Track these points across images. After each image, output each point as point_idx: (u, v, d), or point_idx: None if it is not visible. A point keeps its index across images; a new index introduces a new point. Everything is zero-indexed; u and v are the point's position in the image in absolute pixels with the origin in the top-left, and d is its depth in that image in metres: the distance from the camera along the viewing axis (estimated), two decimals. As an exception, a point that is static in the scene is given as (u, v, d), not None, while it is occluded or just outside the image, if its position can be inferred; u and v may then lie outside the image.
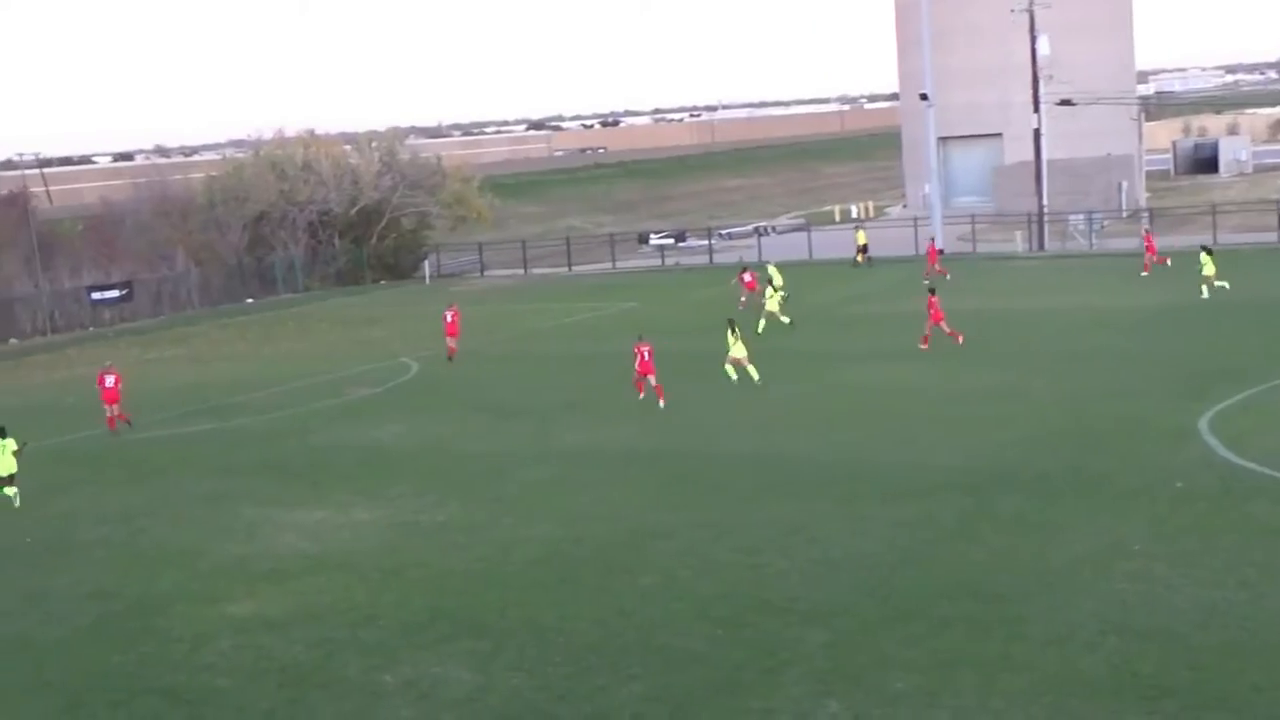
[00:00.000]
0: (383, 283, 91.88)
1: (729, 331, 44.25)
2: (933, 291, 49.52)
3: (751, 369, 43.77)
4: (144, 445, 41.96)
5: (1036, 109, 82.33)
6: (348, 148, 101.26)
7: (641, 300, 69.95)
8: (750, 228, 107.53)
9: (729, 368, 44.21)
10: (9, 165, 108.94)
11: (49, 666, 23.16)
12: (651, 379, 42.40)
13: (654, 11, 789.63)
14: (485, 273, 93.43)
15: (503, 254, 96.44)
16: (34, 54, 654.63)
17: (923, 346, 48.07)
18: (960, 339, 47.94)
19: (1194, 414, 34.98)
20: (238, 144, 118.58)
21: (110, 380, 44.30)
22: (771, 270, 59.83)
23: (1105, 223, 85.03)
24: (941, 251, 75.62)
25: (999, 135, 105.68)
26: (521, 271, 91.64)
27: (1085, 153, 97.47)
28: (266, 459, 38.58)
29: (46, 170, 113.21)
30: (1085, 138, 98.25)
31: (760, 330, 53.44)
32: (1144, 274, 64.01)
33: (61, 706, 21.35)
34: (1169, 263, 63.48)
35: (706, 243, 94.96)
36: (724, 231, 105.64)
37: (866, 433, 36.00)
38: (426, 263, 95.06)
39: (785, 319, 55.04)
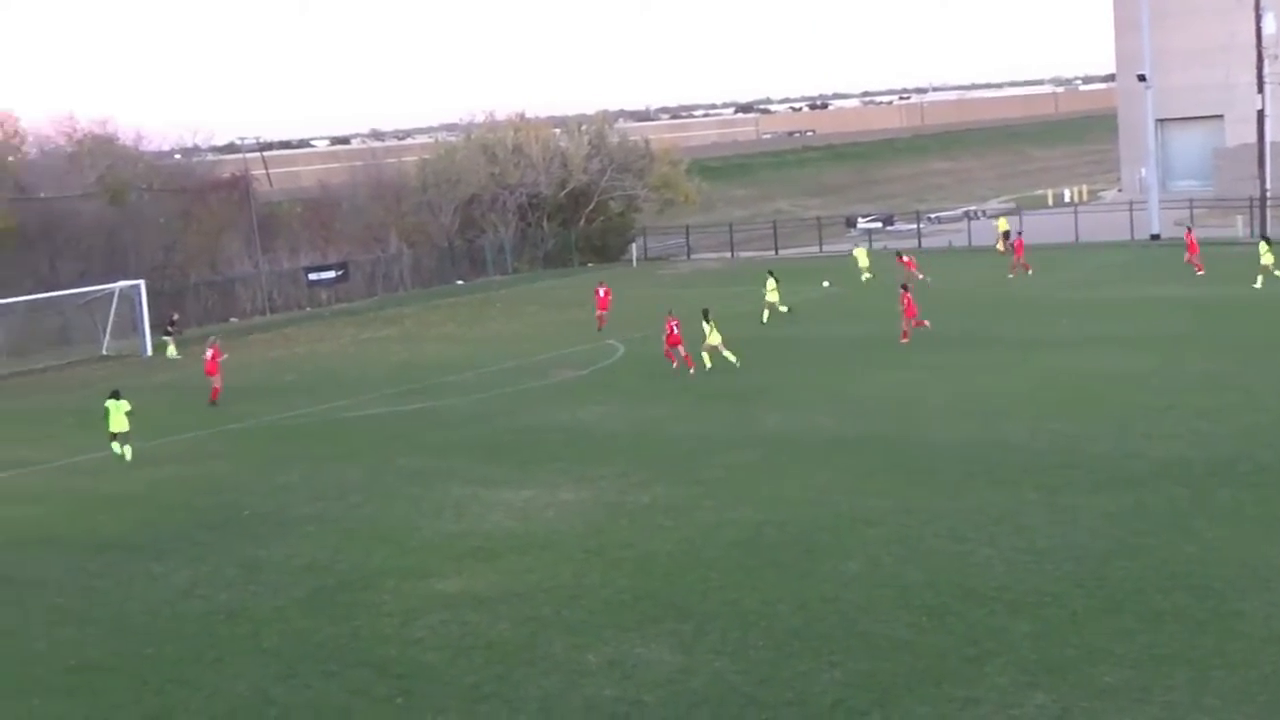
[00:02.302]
0: (590, 265, 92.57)
1: (704, 320, 46.93)
2: (905, 288, 51.08)
3: (729, 354, 46.48)
4: (358, 423, 42.97)
5: (1261, 89, 79.70)
6: (557, 131, 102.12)
7: (847, 284, 69.41)
8: (959, 211, 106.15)
9: (705, 355, 46.76)
10: (231, 149, 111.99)
11: (266, 635, 23.86)
12: (680, 349, 46.84)
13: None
14: (692, 255, 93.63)
15: (710, 237, 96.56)
16: (257, 42, 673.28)
17: (903, 340, 49.46)
18: (928, 323, 50.00)
19: None
20: (450, 128, 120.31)
21: (209, 353, 48.07)
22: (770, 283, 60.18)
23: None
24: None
25: (1220, 117, 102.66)
26: (728, 255, 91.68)
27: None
28: (475, 438, 39.20)
29: (267, 154, 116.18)
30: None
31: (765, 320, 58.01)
32: (1199, 274, 62.58)
33: (278, 674, 21.97)
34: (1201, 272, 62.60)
35: (915, 226, 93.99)
36: (933, 215, 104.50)
37: (1078, 420, 35.32)
38: (634, 245, 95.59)
39: (784, 308, 58.98)
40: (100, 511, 33.91)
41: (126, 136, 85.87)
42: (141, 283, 66.51)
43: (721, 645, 21.64)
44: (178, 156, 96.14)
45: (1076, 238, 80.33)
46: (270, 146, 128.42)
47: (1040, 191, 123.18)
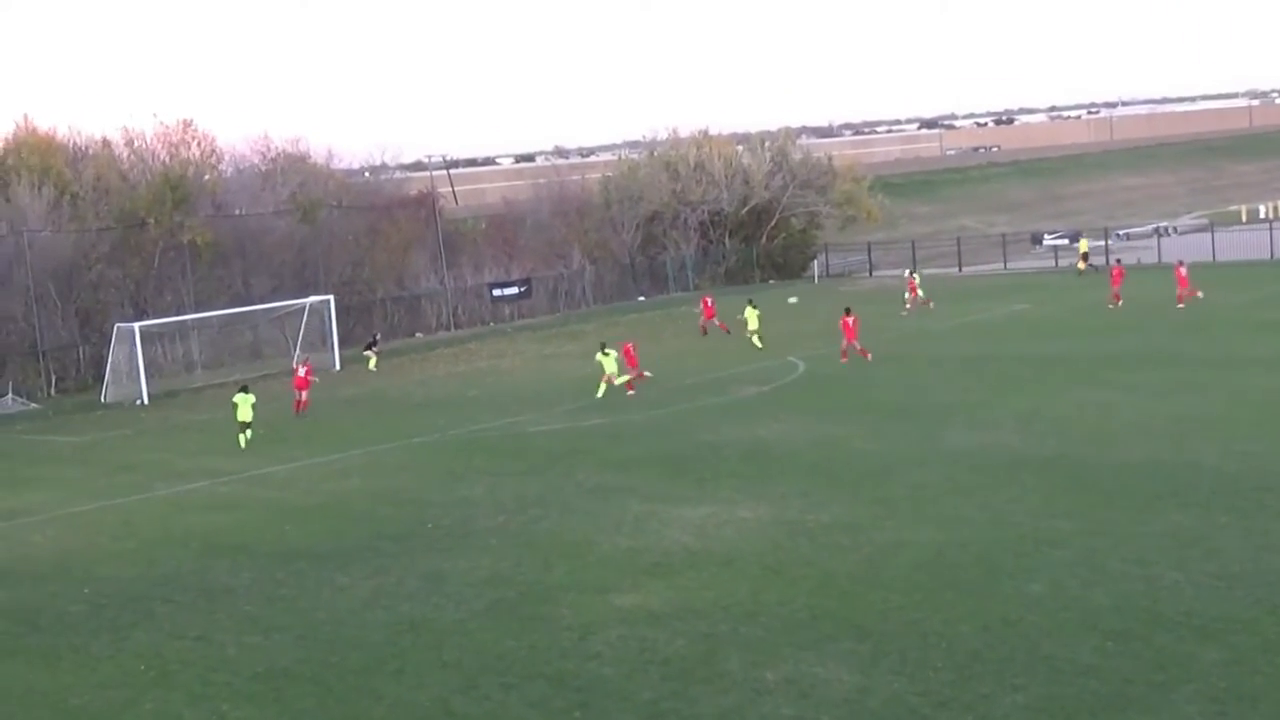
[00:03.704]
0: (771, 282, 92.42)
1: (600, 351, 50.10)
2: (848, 311, 54.46)
3: (603, 386, 49.06)
4: (539, 438, 43.35)
5: None
6: (740, 148, 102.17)
7: (1033, 302, 68.47)
8: (1150, 228, 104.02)
9: (603, 385, 49.45)
10: (419, 167, 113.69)
11: (447, 647, 24.14)
12: (633, 372, 49.99)
13: (1051, 6, 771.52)
14: (874, 273, 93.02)
15: (892, 254, 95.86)
16: (445, 62, 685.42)
17: (842, 361, 53.02)
18: (869, 356, 52.63)
19: None
20: (633, 145, 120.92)
21: (302, 370, 53.07)
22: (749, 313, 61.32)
23: None
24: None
25: None
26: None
27: None
28: (654, 454, 39.30)
29: (453, 171, 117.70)
30: None
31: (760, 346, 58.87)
32: (1178, 306, 61.38)
33: (458, 686, 22.21)
34: (1200, 295, 61.60)
35: (1103, 243, 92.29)
36: (1122, 232, 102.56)
37: (1273, 442, 34.32)
38: (815, 262, 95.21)
39: (756, 341, 59.57)
40: (288, 521, 34.68)
41: (318, 155, 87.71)
42: (331, 298, 67.98)
43: (900, 666, 21.41)
44: (367, 174, 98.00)
45: (1271, 254, 78.25)
46: (456, 164, 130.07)
47: (1234, 207, 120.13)
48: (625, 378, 49.65)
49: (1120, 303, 63.21)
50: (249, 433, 46.08)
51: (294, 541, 32.61)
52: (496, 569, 28.75)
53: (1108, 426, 38.12)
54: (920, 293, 69.55)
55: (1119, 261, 70.01)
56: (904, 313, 67.28)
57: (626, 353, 50.88)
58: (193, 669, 24.11)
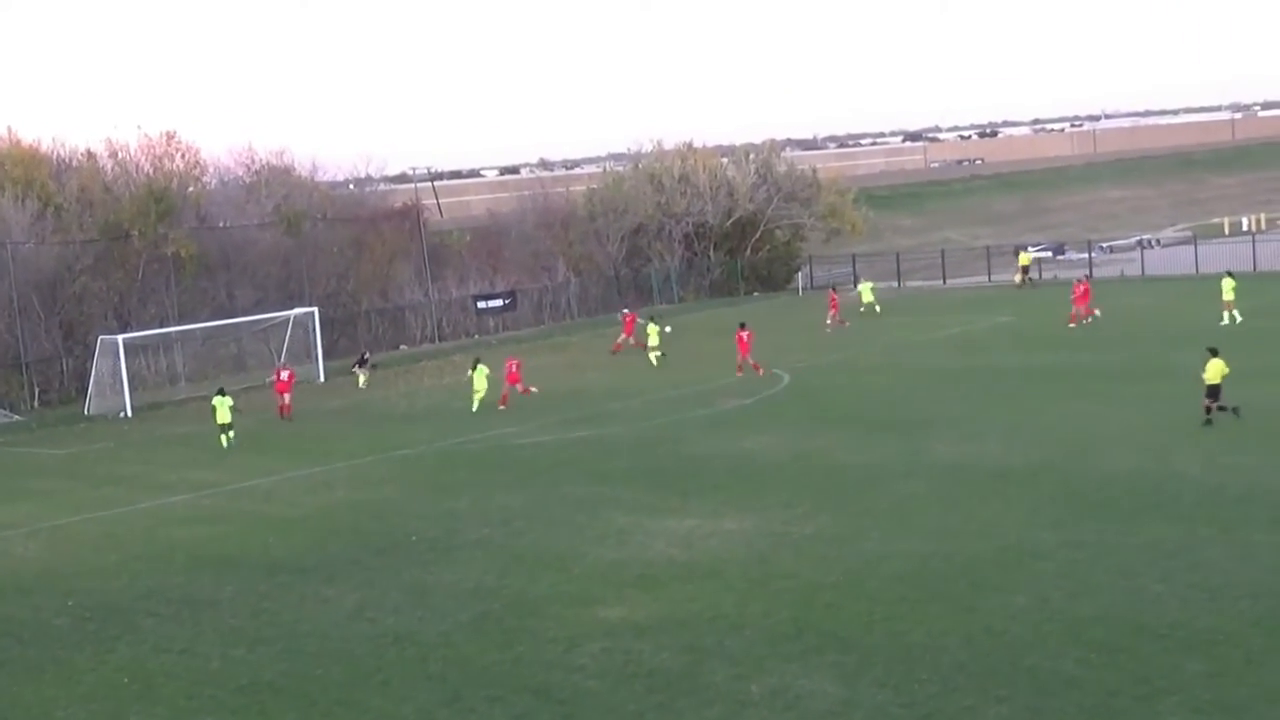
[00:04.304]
0: (756, 294, 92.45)
1: (474, 367, 51.22)
2: (743, 326, 55.30)
3: (475, 402, 50.39)
4: (524, 450, 43.32)
5: None
6: (724, 160, 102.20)
7: (1016, 314, 68.58)
8: (1133, 240, 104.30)
9: (475, 398, 50.72)
10: (403, 179, 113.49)
11: (432, 660, 24.11)
12: (519, 387, 51.30)
13: (1034, 19, 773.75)
14: (858, 284, 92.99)
15: (876, 266, 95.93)
16: (429, 74, 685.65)
17: (738, 374, 54.02)
18: (761, 371, 53.82)
19: None
20: (617, 157, 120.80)
21: (285, 375, 54.82)
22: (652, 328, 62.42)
23: None
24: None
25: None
26: (895, 284, 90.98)
27: None
28: (639, 466, 39.30)
29: (437, 183, 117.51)
30: None
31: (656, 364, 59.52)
32: (1070, 326, 61.75)
33: (443, 699, 22.18)
34: (1095, 315, 62.40)
35: (1086, 256, 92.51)
36: (1105, 244, 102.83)
37: (1257, 455, 34.42)
38: (800, 274, 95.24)
39: (654, 359, 60.33)
40: (272, 534, 34.61)
41: (302, 167, 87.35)
42: (315, 310, 67.83)
43: (885, 678, 21.42)
44: (351, 186, 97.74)
45: (1254, 267, 78.38)
46: (441, 176, 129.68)
47: (1217, 220, 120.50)
48: (478, 397, 50.57)
49: (1090, 319, 63.00)
50: (231, 434, 47.66)
51: (278, 554, 32.55)
52: (481, 581, 28.72)
53: (1092, 438, 38.19)
54: (874, 305, 70.45)
55: (1086, 278, 69.66)
56: (827, 328, 67.79)
57: (509, 370, 51.77)
58: (177, 682, 24.05)
